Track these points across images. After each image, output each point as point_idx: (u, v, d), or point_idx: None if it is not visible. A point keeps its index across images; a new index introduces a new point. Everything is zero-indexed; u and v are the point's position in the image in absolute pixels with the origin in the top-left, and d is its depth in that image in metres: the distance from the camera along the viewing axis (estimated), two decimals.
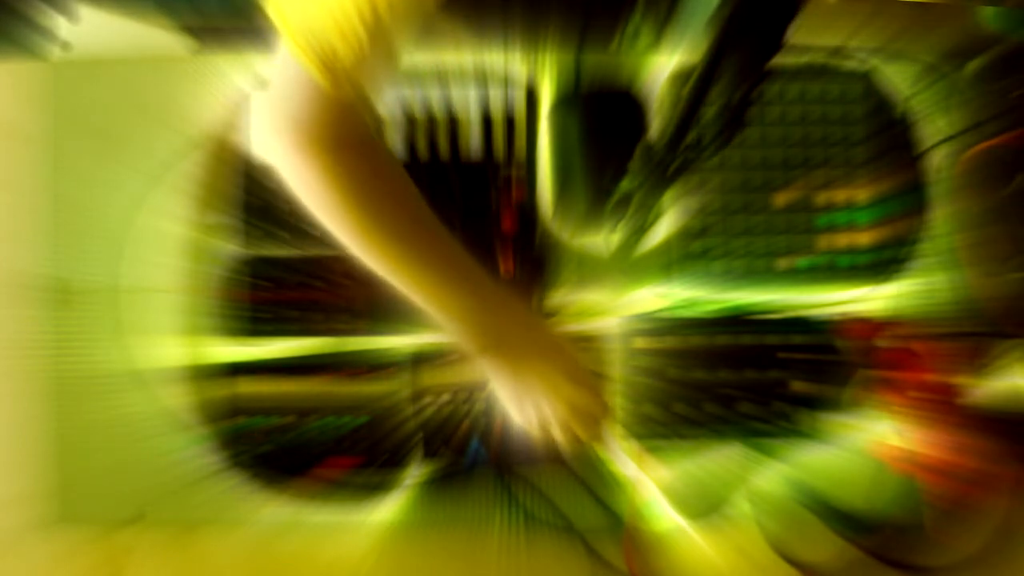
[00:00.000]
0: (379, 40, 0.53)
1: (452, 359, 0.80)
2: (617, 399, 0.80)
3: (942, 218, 0.82)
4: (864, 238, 0.82)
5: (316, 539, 0.79)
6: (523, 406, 0.68)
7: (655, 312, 0.82)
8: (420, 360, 0.80)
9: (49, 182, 0.82)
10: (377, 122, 0.61)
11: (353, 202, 0.61)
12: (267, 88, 0.59)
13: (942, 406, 0.77)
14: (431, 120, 0.82)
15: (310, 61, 0.54)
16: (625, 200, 0.78)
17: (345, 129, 0.59)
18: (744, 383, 0.80)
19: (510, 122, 0.82)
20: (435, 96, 0.82)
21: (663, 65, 0.83)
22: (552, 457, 0.78)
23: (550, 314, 0.81)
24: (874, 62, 0.83)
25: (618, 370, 0.81)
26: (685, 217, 0.82)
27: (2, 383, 0.80)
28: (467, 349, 0.67)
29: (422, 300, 0.65)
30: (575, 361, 0.70)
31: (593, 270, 0.82)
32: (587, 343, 0.81)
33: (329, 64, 0.54)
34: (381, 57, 0.55)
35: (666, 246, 0.82)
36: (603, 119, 0.82)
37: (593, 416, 0.69)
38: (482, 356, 0.67)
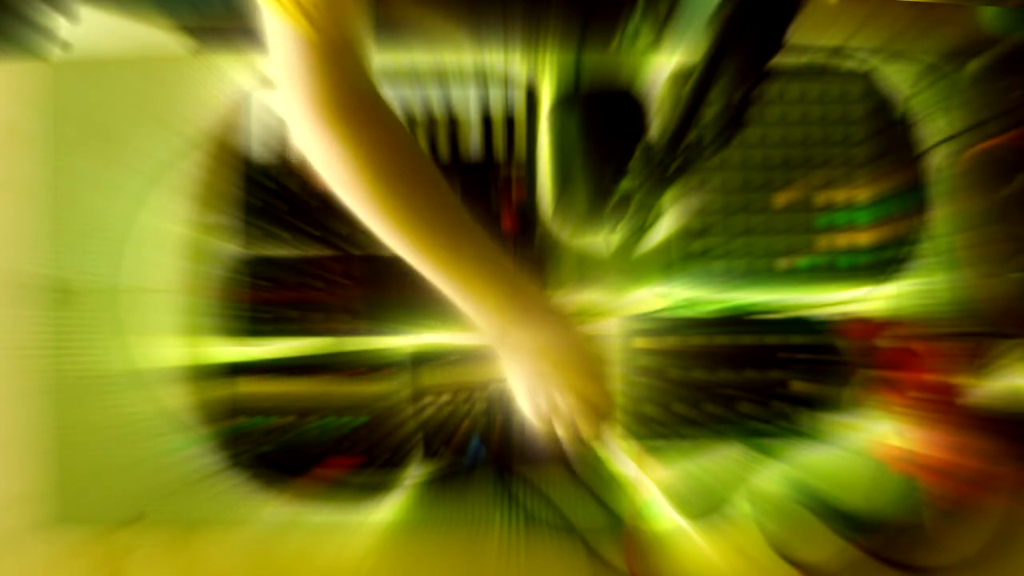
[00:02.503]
0: None
1: (452, 359, 0.80)
2: (617, 399, 0.80)
3: (942, 218, 0.82)
4: (864, 238, 0.82)
5: (316, 539, 0.79)
6: (535, 396, 0.68)
7: (655, 312, 0.82)
8: (420, 360, 0.80)
9: (49, 182, 0.82)
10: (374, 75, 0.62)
11: (368, 165, 0.60)
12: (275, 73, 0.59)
13: (942, 406, 0.77)
14: (431, 120, 0.82)
15: (283, 9, 0.54)
16: (625, 200, 0.78)
17: (349, 89, 0.59)
18: (744, 383, 0.80)
19: (510, 122, 0.82)
20: (435, 96, 0.82)
21: (663, 65, 0.83)
22: (555, 454, 0.78)
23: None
24: (874, 62, 0.83)
25: (618, 370, 0.81)
26: (685, 217, 0.82)
27: (2, 383, 0.80)
28: (484, 332, 0.66)
29: (440, 275, 0.64)
30: (591, 353, 0.69)
31: (593, 270, 0.82)
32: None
33: (300, 6, 0.54)
34: None
35: (666, 246, 0.82)
36: (603, 119, 0.82)
37: (599, 413, 0.69)
38: (499, 340, 0.67)
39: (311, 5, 0.55)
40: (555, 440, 0.70)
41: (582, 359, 0.69)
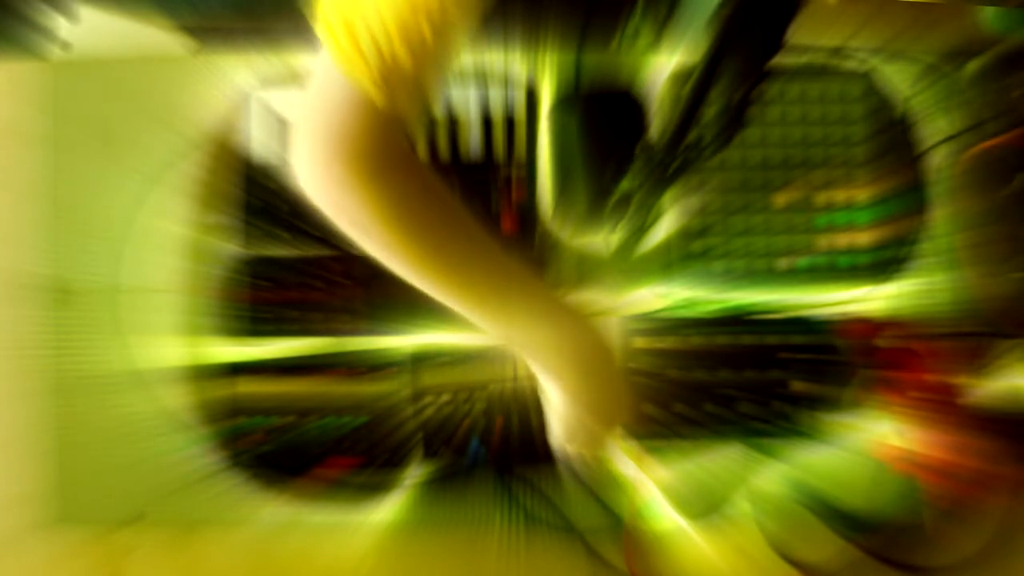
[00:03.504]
0: (440, 44, 0.49)
1: (452, 359, 0.80)
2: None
3: (942, 218, 0.82)
4: (864, 238, 0.82)
5: (316, 539, 0.79)
6: (568, 422, 0.68)
7: (655, 312, 0.82)
8: (420, 360, 0.80)
9: (49, 182, 0.82)
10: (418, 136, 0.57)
11: (404, 228, 0.56)
12: (303, 106, 0.55)
13: (942, 406, 0.77)
14: (431, 120, 0.82)
15: (363, 74, 0.50)
16: (625, 200, 0.78)
17: (393, 148, 0.55)
18: (744, 383, 0.80)
19: (510, 122, 0.82)
20: None
21: (663, 65, 0.83)
22: (555, 454, 0.78)
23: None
24: (874, 62, 0.83)
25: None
26: (685, 217, 0.82)
27: (2, 383, 0.80)
28: (535, 370, 0.66)
29: (487, 324, 0.63)
30: (626, 382, 0.71)
31: (593, 270, 0.82)
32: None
33: (385, 77, 0.50)
34: (440, 63, 0.51)
35: (666, 246, 0.82)
36: (603, 119, 0.82)
37: (617, 425, 0.71)
38: (550, 378, 0.66)
39: (397, 79, 0.50)
40: (575, 458, 0.72)
41: (623, 394, 0.70)
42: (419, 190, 0.57)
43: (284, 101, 0.82)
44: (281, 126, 0.82)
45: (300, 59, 0.82)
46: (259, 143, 0.81)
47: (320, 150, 0.54)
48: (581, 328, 0.66)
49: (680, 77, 0.82)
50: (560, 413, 0.68)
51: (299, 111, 0.55)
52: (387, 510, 0.79)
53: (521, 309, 0.63)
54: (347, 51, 0.50)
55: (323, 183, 0.55)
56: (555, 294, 0.67)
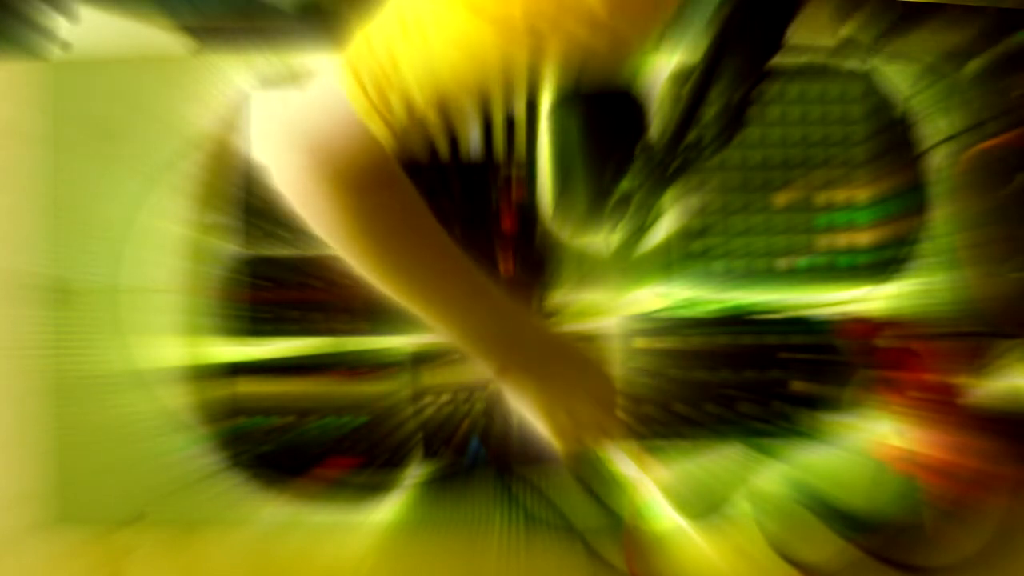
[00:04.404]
0: (475, 107, 0.50)
1: (452, 359, 0.80)
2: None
3: (942, 218, 0.82)
4: (864, 238, 0.82)
5: (316, 539, 0.79)
6: (555, 417, 0.69)
7: (655, 312, 0.82)
8: (420, 360, 0.80)
9: (49, 182, 0.82)
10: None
11: (376, 240, 0.59)
12: (292, 111, 0.55)
13: (942, 406, 0.77)
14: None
15: (383, 128, 0.51)
16: (625, 200, 0.78)
17: (380, 169, 0.56)
18: (744, 383, 0.80)
19: (510, 122, 0.82)
20: None
21: (663, 65, 0.83)
22: (555, 454, 0.78)
23: (551, 314, 0.81)
24: (874, 62, 0.83)
25: (618, 370, 0.81)
26: (685, 217, 0.82)
27: (2, 383, 0.80)
28: (489, 370, 0.68)
29: (440, 327, 0.66)
30: (599, 374, 0.73)
31: (593, 270, 0.82)
32: (587, 343, 0.81)
33: (408, 132, 0.51)
34: (471, 118, 0.52)
35: (666, 246, 0.82)
36: (603, 119, 0.82)
37: (605, 426, 0.72)
38: (503, 376, 0.68)
39: (415, 133, 0.51)
40: (574, 453, 0.73)
41: (593, 381, 0.72)
42: (395, 207, 0.59)
43: (284, 101, 0.82)
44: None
45: (300, 59, 0.82)
46: (258, 143, 0.81)
47: (309, 162, 0.55)
48: (533, 332, 0.70)
49: (680, 77, 0.81)
50: (528, 406, 0.70)
51: (293, 115, 0.56)
52: (387, 510, 0.79)
53: (479, 321, 0.66)
54: (373, 104, 0.50)
55: (305, 191, 0.57)
56: (513, 307, 0.70)
